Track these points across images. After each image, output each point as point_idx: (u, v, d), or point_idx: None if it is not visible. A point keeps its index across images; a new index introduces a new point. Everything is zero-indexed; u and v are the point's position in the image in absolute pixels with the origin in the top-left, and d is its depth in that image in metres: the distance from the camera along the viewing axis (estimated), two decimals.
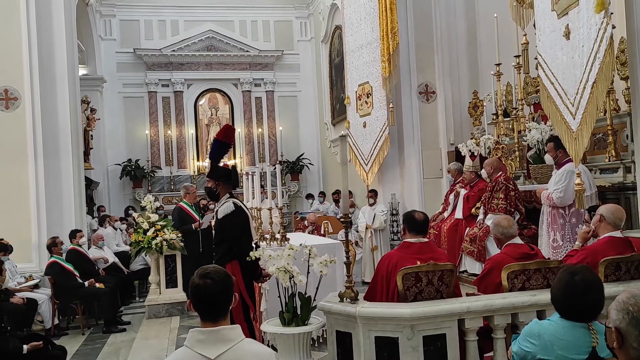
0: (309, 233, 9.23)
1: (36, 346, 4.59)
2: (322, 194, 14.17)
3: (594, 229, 4.00)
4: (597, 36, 4.45)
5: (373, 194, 9.59)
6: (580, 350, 2.43)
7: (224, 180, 4.65)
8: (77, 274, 7.33)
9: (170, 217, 8.88)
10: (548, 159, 5.92)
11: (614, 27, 4.53)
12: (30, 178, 7.99)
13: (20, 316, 6.33)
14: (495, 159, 6.95)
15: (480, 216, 6.75)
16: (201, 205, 9.48)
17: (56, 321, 7.12)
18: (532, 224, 6.27)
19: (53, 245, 7.31)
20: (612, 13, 4.49)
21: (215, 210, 4.72)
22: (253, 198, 6.90)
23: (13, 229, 7.64)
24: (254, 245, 4.59)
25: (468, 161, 7.48)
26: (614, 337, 1.94)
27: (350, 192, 9.10)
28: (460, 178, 7.62)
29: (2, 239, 7.11)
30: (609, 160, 5.89)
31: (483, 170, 6.69)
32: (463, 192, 7.32)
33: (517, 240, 4.00)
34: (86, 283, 7.25)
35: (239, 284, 4.32)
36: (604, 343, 2.32)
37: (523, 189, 6.68)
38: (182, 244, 7.73)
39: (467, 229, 6.98)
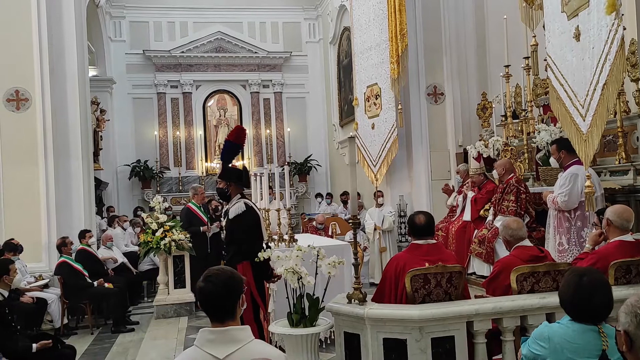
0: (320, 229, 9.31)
1: (45, 344, 4.61)
2: (330, 195, 14.17)
3: (605, 233, 3.99)
4: (608, 38, 4.43)
5: (380, 194, 9.59)
6: (590, 354, 2.41)
7: (236, 180, 4.67)
8: (87, 274, 7.38)
9: (178, 217, 8.91)
10: (553, 161, 5.88)
11: (624, 28, 4.50)
12: (41, 178, 8.05)
13: (30, 315, 6.38)
14: (507, 160, 6.92)
15: (490, 217, 6.73)
16: (213, 207, 9.48)
17: (65, 320, 7.17)
18: (541, 226, 6.24)
19: (63, 245, 7.36)
20: (622, 14, 4.46)
21: (225, 210, 4.73)
22: (261, 199, 6.92)
23: (23, 229, 7.71)
24: (264, 246, 4.60)
25: (474, 164, 7.46)
26: (623, 340, 1.94)
27: (358, 194, 9.10)
28: (469, 180, 7.59)
29: (13, 239, 7.17)
30: (619, 163, 5.85)
31: (494, 171, 6.66)
32: (471, 194, 7.30)
33: (526, 242, 3.97)
34: (95, 283, 7.30)
35: (250, 284, 4.34)
36: (614, 346, 2.31)
37: (532, 191, 6.64)
38: (190, 244, 7.76)
39: (476, 230, 6.95)
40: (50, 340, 4.74)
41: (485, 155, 8.11)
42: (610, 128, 5.83)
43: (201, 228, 8.21)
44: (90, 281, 7.31)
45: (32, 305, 6.55)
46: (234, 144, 4.77)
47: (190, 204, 8.64)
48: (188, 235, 7.81)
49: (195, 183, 14.76)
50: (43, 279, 7.46)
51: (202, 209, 8.64)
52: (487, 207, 6.95)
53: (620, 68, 4.40)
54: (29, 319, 6.27)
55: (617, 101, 5.39)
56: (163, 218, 7.77)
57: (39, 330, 6.42)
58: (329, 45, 15.04)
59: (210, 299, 2.19)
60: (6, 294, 4.70)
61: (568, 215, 5.42)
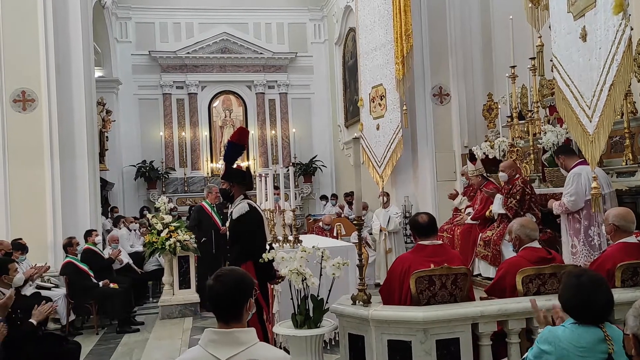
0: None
1: (46, 311, 4.52)
2: (335, 196, 14.15)
3: (609, 236, 3.99)
4: (615, 38, 4.40)
5: (384, 194, 9.55)
6: (596, 358, 2.39)
7: (239, 181, 4.67)
8: (92, 274, 7.39)
9: (184, 218, 8.93)
10: (564, 171, 5.88)
11: (631, 29, 4.47)
12: (47, 179, 8.08)
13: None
14: (512, 162, 6.90)
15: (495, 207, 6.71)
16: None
17: (72, 317, 7.18)
18: (547, 228, 6.21)
19: (69, 245, 7.37)
20: (630, 15, 4.43)
21: (229, 211, 4.73)
22: (266, 200, 6.91)
23: (29, 229, 7.74)
24: (267, 247, 4.60)
25: (470, 166, 7.46)
26: (632, 344, 1.91)
27: None
28: (470, 183, 7.58)
29: (21, 239, 7.19)
30: (626, 164, 5.82)
31: (503, 174, 6.61)
32: (469, 214, 7.33)
33: (536, 244, 3.95)
34: (100, 283, 7.30)
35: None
36: (620, 350, 2.29)
37: (538, 192, 6.61)
38: (195, 245, 7.76)
39: (480, 234, 6.92)
40: (47, 302, 4.71)
41: (490, 156, 8.08)
42: (617, 129, 5.80)
43: (195, 227, 8.19)
44: (95, 281, 7.32)
45: (34, 301, 6.52)
46: (236, 145, 4.77)
47: (203, 203, 8.62)
48: (193, 236, 7.81)
49: (200, 184, 14.85)
50: (50, 283, 7.47)
51: (215, 208, 8.62)
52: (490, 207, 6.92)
53: (628, 69, 4.38)
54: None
55: (624, 102, 5.37)
56: (168, 219, 7.77)
57: (45, 329, 6.42)
58: (334, 46, 15.04)
59: (218, 299, 2.18)
60: (7, 292, 4.70)
61: (578, 216, 5.40)
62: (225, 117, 15.82)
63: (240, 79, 15.67)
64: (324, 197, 14.63)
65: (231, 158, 4.80)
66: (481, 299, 3.94)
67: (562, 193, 5.58)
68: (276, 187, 8.66)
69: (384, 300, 3.83)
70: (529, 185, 6.41)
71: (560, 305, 2.58)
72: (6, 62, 8.07)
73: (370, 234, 9.49)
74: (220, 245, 8.32)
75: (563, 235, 5.65)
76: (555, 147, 6.27)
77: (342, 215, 11.93)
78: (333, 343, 5.44)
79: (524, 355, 2.72)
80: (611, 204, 5.19)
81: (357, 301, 3.67)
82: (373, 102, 10.07)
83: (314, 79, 16.08)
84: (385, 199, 9.41)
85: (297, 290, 4.20)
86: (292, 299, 4.25)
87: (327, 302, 4.16)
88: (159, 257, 8.57)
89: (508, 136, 8.14)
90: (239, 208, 4.52)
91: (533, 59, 7.51)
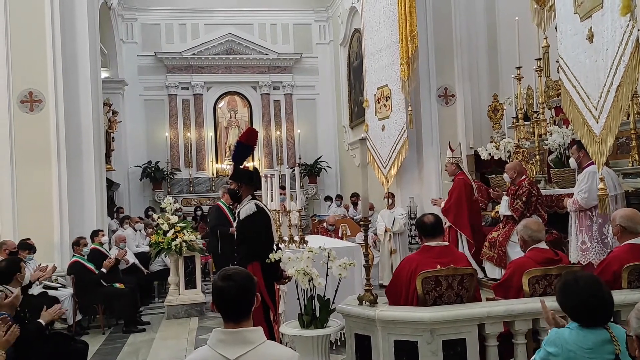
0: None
1: (55, 311, 4.57)
2: (340, 197, 14.16)
3: (615, 237, 3.98)
4: (622, 39, 4.40)
5: (389, 195, 9.56)
6: (603, 359, 2.40)
7: (247, 182, 4.69)
8: (98, 274, 7.42)
9: (189, 218, 8.94)
10: (573, 162, 5.86)
11: (639, 30, 4.47)
12: (53, 179, 8.12)
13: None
14: (517, 162, 6.89)
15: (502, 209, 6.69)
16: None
17: (79, 316, 7.21)
18: (553, 229, 6.20)
19: (76, 245, 7.41)
20: (637, 16, 4.43)
21: (237, 212, 4.75)
22: (272, 200, 6.93)
23: (36, 229, 7.76)
24: (275, 247, 4.61)
25: (448, 152, 7.47)
26: (635, 345, 1.92)
27: None
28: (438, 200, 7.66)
29: (29, 239, 7.23)
30: (632, 165, 5.81)
31: (505, 175, 6.62)
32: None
33: (543, 245, 3.94)
34: (104, 269, 7.32)
35: (259, 285, 4.34)
36: (626, 350, 2.29)
37: (544, 193, 6.61)
38: (200, 245, 7.77)
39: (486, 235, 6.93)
40: (59, 305, 4.76)
41: (496, 157, 8.08)
42: (623, 130, 5.79)
43: (230, 229, 8.15)
44: (100, 272, 7.33)
45: (42, 301, 6.57)
46: (245, 145, 4.79)
47: (219, 203, 8.60)
48: (199, 236, 7.82)
49: (205, 184, 14.91)
50: (57, 283, 7.50)
51: (230, 208, 8.60)
52: (496, 208, 6.92)
53: (635, 70, 4.37)
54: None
55: (630, 103, 5.36)
56: (174, 219, 7.80)
57: (52, 328, 6.45)
58: (340, 47, 15.05)
59: (230, 298, 2.19)
60: (15, 291, 4.74)
61: (590, 213, 5.41)
62: (231, 117, 15.85)
63: (246, 80, 15.70)
64: (328, 198, 14.63)
65: (239, 158, 4.82)
66: (487, 299, 3.95)
67: (571, 193, 5.57)
68: (282, 188, 8.66)
69: (390, 300, 3.85)
70: (535, 187, 6.41)
71: (564, 310, 2.57)
72: (13, 63, 8.11)
73: (375, 234, 9.50)
74: (224, 245, 8.31)
75: (572, 232, 5.64)
76: (575, 142, 6.20)
77: (347, 216, 11.94)
78: (339, 343, 5.46)
79: (532, 358, 2.72)
80: (621, 204, 5.19)
81: (363, 301, 3.68)
82: (378, 103, 10.08)
83: (319, 79, 16.08)
84: (390, 200, 9.41)
85: (304, 290, 4.21)
86: (298, 299, 4.27)
87: (333, 303, 4.17)
88: (165, 257, 8.59)
89: (513, 137, 8.14)
90: (246, 208, 4.54)
91: (539, 59, 7.50)
